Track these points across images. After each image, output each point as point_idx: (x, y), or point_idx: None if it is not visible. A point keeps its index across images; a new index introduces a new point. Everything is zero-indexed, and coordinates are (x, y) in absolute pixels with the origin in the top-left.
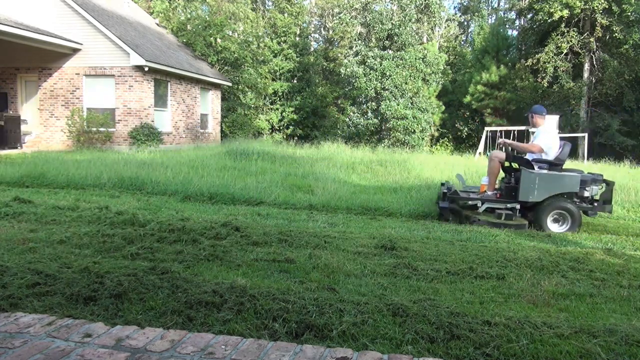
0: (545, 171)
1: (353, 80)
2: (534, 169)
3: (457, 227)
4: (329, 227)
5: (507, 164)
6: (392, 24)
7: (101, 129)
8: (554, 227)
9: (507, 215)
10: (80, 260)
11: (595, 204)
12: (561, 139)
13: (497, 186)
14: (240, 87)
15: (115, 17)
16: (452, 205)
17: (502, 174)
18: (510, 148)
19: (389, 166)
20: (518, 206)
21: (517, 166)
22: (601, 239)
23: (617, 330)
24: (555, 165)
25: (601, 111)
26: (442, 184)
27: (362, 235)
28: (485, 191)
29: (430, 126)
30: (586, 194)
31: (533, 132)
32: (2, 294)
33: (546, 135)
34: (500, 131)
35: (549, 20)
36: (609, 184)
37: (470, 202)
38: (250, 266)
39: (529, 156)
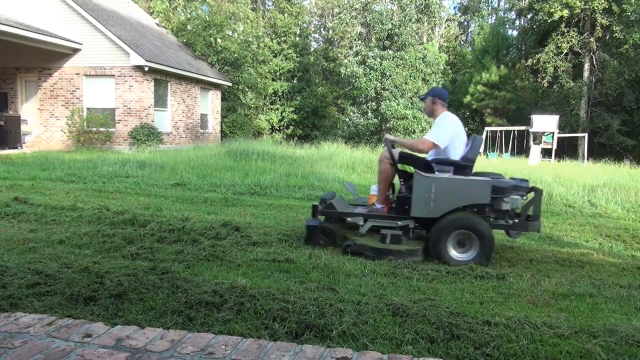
0: (446, 175)
1: (353, 80)
2: (433, 172)
3: None
4: None
5: (400, 166)
6: (392, 24)
7: (101, 129)
8: (454, 254)
9: (394, 238)
10: (80, 260)
11: (517, 221)
12: (560, 139)
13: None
14: (240, 87)
15: (115, 17)
16: (325, 224)
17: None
18: (396, 146)
19: None
20: (412, 224)
21: (412, 170)
22: (601, 239)
23: (617, 330)
24: (462, 167)
25: (601, 111)
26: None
27: None
28: (373, 204)
29: (430, 126)
30: (504, 206)
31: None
32: (2, 294)
33: (439, 127)
34: (500, 131)
35: (549, 20)
36: (537, 192)
37: (350, 220)
38: (250, 266)
39: (429, 156)
